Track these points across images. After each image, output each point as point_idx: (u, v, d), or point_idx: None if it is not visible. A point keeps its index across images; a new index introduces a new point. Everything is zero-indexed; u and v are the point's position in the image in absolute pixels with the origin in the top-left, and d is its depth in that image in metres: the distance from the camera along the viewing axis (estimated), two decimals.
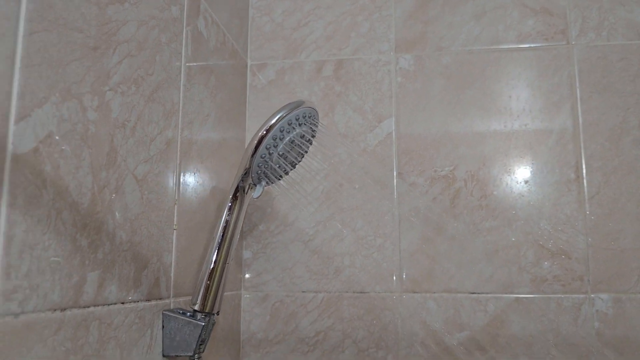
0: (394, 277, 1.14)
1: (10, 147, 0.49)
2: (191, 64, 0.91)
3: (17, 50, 0.51)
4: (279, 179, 0.83)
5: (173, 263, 0.83)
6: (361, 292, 1.15)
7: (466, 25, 1.21)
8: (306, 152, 0.83)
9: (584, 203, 1.11)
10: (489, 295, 1.11)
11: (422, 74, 1.21)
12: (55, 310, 0.55)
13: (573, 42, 1.17)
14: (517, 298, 1.10)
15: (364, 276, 1.15)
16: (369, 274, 1.15)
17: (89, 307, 0.61)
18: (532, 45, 1.18)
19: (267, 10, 1.29)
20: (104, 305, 0.65)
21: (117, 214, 0.68)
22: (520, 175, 1.14)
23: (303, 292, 1.17)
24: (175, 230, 0.84)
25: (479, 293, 1.11)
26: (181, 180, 0.86)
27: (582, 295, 1.09)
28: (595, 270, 1.09)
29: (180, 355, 0.79)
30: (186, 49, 0.90)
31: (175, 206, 0.84)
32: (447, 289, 1.12)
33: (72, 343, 0.58)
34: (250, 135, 1.22)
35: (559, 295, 1.09)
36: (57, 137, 0.56)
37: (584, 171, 1.12)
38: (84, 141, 0.61)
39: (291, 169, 0.83)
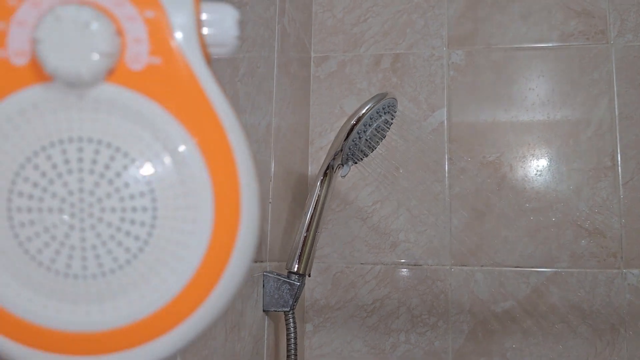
0: (445, 252, 1.25)
1: None
2: (280, 58, 1.04)
3: None
4: (362, 160, 0.96)
5: (269, 232, 0.96)
6: (415, 265, 1.26)
7: (513, 24, 1.31)
8: (385, 136, 0.96)
9: (618, 188, 1.21)
10: (531, 269, 1.21)
11: (473, 69, 1.31)
12: None
13: (612, 42, 1.26)
14: (556, 272, 1.21)
15: (417, 250, 1.27)
16: (422, 248, 1.27)
17: None
18: (574, 44, 1.28)
19: (329, 7, 1.40)
20: None
21: None
22: (561, 161, 1.24)
23: (362, 264, 1.29)
24: (270, 204, 0.97)
25: (522, 267, 1.22)
26: (273, 160, 0.99)
27: (615, 270, 1.19)
28: (628, 248, 1.19)
29: (278, 311, 0.92)
30: (277, 44, 1.02)
31: (271, 183, 0.97)
32: (493, 263, 1.23)
33: None
34: (314, 121, 1.34)
35: (595, 270, 1.19)
36: None
37: (619, 159, 1.22)
38: None
39: (373, 150, 0.95)
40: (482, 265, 1.23)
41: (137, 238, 0.24)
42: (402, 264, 1.26)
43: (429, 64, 1.33)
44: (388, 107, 0.92)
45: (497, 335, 1.21)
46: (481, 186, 1.26)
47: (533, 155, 1.25)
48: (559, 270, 1.20)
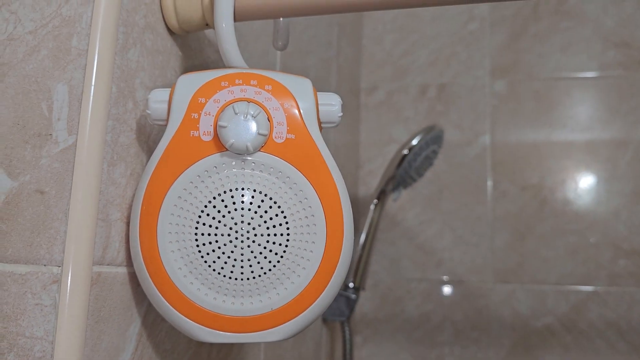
0: (487, 270, 1.32)
1: None
2: (338, 90, 1.15)
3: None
4: (411, 185, 1.06)
5: None
6: (459, 282, 1.34)
7: (554, 55, 1.37)
8: (433, 163, 1.06)
9: None
10: (571, 287, 1.26)
11: (514, 97, 1.38)
12: None
13: None
14: (595, 290, 1.25)
15: (461, 268, 1.34)
16: (465, 266, 1.33)
17: None
18: (612, 74, 1.33)
19: (377, 40, 1.50)
20: None
21: None
22: (601, 184, 1.29)
23: (408, 280, 1.37)
24: None
25: (561, 285, 1.27)
26: None
27: None
28: None
29: (336, 320, 1.03)
30: (334, 80, 1.14)
31: None
32: (533, 281, 1.28)
33: None
34: (364, 147, 1.43)
35: (632, 289, 1.23)
36: None
37: None
38: None
39: (422, 176, 1.05)
40: (523, 283, 1.28)
41: (276, 254, 0.35)
42: (447, 280, 1.33)
43: (473, 93, 1.40)
44: (436, 138, 1.02)
45: (537, 349, 1.26)
46: (523, 208, 1.32)
47: (573, 179, 1.30)
48: (598, 288, 1.25)
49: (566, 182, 1.31)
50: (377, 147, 1.44)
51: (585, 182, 1.30)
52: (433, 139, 1.01)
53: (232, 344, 0.54)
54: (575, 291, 1.26)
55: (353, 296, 1.03)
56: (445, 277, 1.33)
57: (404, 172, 1.02)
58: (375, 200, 1.05)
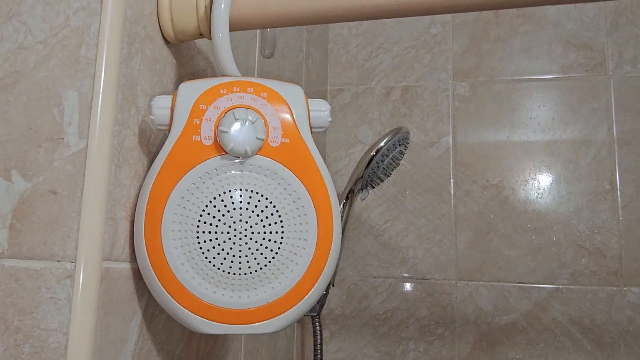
0: (451, 267, 1.34)
1: None
2: (307, 92, 1.18)
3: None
4: (378, 185, 1.09)
5: None
6: (423, 279, 1.36)
7: (515, 58, 1.40)
8: (399, 164, 1.09)
9: (617, 210, 1.29)
10: (533, 285, 1.29)
11: (476, 99, 1.41)
12: None
13: (610, 73, 1.34)
14: (557, 288, 1.28)
15: (425, 266, 1.36)
16: (429, 264, 1.36)
17: None
18: (573, 76, 1.36)
19: (343, 44, 1.52)
20: None
21: None
22: (562, 184, 1.32)
23: (374, 277, 1.38)
24: None
25: (524, 283, 1.29)
26: None
27: (615, 288, 1.26)
28: (628, 267, 1.26)
29: (307, 315, 1.05)
30: (304, 83, 1.16)
31: None
32: (496, 279, 1.31)
33: None
34: (330, 148, 1.46)
35: (595, 287, 1.26)
36: None
37: (618, 183, 1.29)
38: None
39: (389, 176, 1.09)
40: (486, 281, 1.31)
41: (271, 250, 0.38)
42: (411, 278, 1.35)
43: (436, 95, 1.43)
44: (403, 139, 1.05)
45: (501, 345, 1.28)
46: (485, 207, 1.34)
47: (534, 179, 1.33)
48: (560, 286, 1.27)
49: (528, 182, 1.33)
50: (344, 148, 1.45)
51: (546, 182, 1.32)
52: (400, 140, 1.04)
53: (217, 336, 0.57)
54: (537, 289, 1.28)
55: (323, 292, 1.05)
56: (409, 275, 1.35)
57: (372, 172, 1.05)
58: (343, 200, 1.08)
